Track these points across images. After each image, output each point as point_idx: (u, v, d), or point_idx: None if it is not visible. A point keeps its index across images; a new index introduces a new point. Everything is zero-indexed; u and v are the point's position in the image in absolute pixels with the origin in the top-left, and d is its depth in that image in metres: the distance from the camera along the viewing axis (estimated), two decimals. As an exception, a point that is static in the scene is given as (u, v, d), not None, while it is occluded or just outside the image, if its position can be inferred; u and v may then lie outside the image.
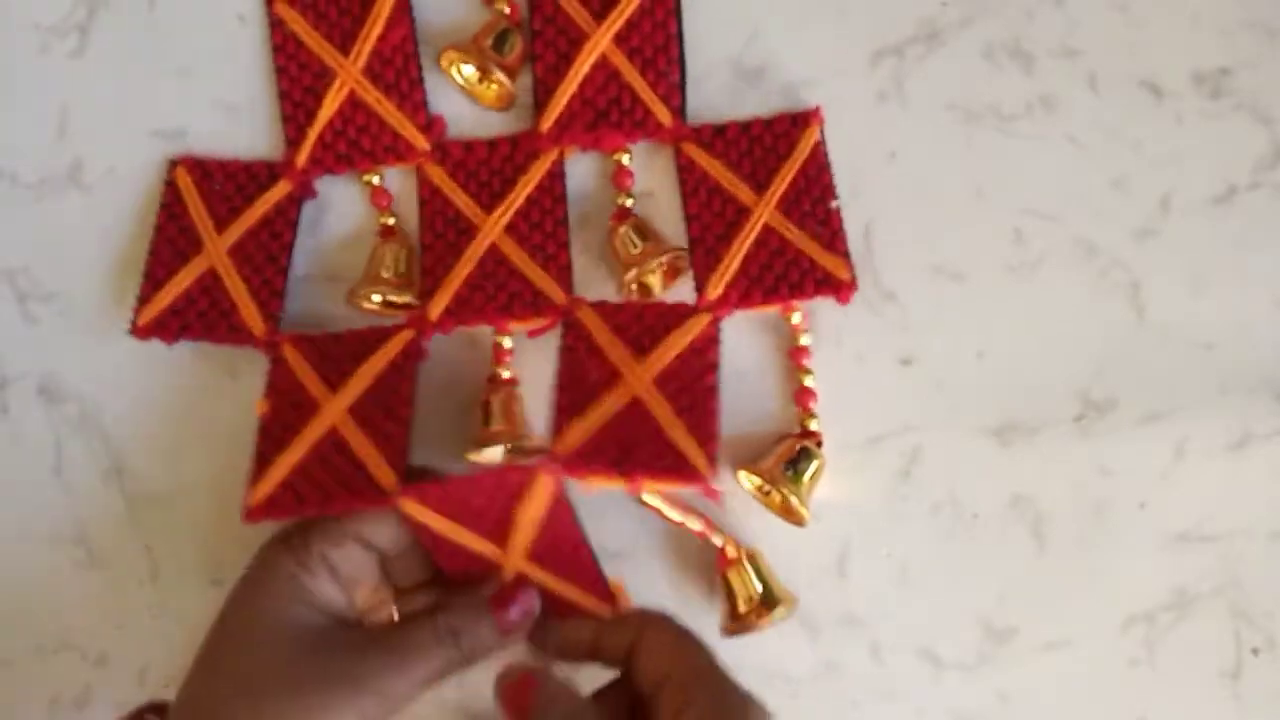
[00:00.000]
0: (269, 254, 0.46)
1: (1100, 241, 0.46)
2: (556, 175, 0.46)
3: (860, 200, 0.47)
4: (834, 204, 0.45)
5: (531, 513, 0.39)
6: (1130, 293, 0.46)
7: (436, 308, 0.45)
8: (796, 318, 0.45)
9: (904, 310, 0.46)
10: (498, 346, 0.45)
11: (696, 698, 0.36)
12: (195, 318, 0.45)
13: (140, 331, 0.45)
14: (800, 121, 0.46)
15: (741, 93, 0.47)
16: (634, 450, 0.40)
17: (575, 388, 0.42)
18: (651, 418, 0.41)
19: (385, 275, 0.46)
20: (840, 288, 0.44)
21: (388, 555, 0.40)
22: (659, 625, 0.39)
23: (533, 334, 0.46)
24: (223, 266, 0.45)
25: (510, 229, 0.46)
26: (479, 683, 0.46)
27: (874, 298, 0.46)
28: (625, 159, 0.47)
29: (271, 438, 0.42)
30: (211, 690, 0.36)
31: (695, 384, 0.42)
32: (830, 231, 0.45)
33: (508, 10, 0.47)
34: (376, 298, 0.45)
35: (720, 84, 0.47)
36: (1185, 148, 0.47)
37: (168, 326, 0.45)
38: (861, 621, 0.45)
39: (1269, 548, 0.46)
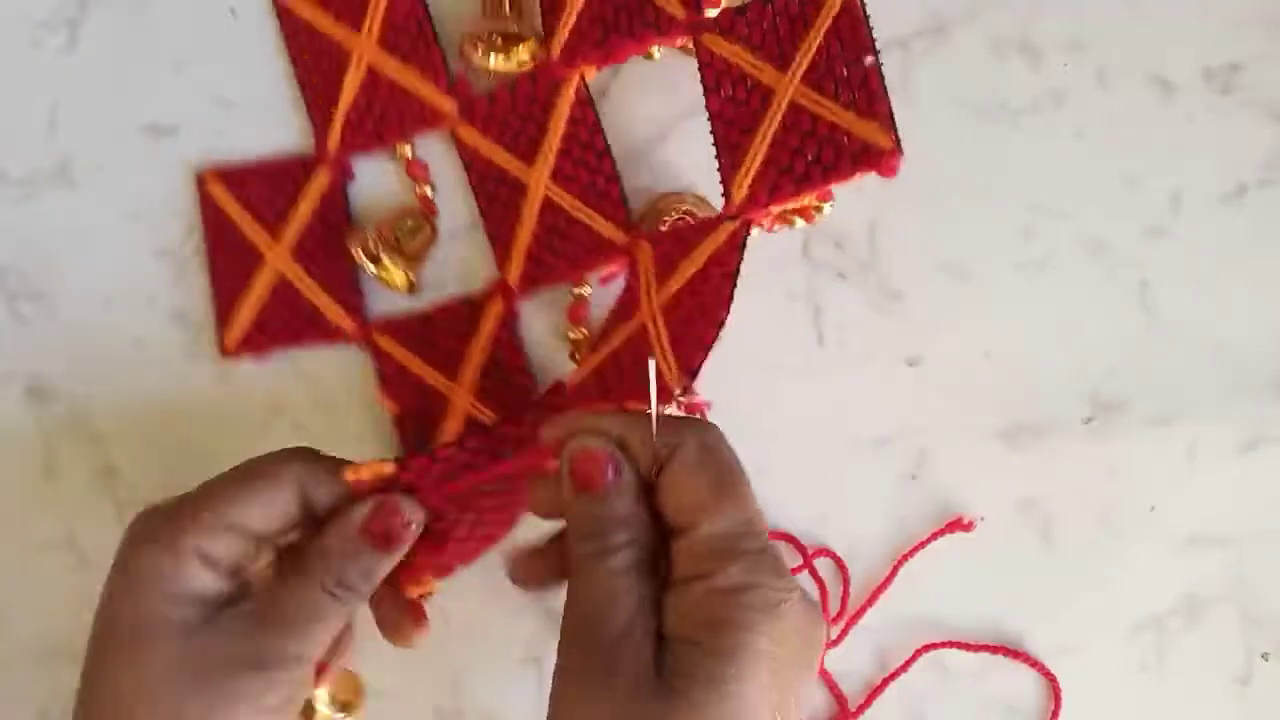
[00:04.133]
0: (331, 248, 0.45)
1: (1110, 239, 0.46)
2: (585, 103, 0.45)
3: (865, 197, 0.46)
4: (869, 60, 0.38)
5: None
6: (1140, 292, 0.46)
7: (514, 275, 0.44)
8: (827, 208, 0.40)
9: (910, 309, 0.46)
10: (576, 298, 0.45)
11: (741, 554, 0.31)
12: (280, 327, 0.45)
13: (229, 352, 0.45)
14: None
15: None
16: (624, 377, 0.38)
17: (607, 325, 0.42)
18: (647, 344, 0.38)
19: (393, 233, 0.45)
20: (881, 159, 0.37)
21: (270, 537, 0.37)
22: (707, 440, 0.33)
23: (604, 281, 0.45)
24: (291, 272, 0.45)
25: (556, 174, 0.45)
26: (477, 686, 0.45)
27: (880, 297, 0.46)
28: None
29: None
30: (103, 705, 0.34)
31: (709, 294, 0.38)
32: (867, 93, 0.37)
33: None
34: (360, 248, 0.44)
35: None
36: (1195, 144, 0.46)
37: (254, 342, 0.45)
38: (865, 629, 0.45)
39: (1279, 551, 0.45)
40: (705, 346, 0.36)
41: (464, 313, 0.45)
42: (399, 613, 0.39)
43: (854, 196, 0.46)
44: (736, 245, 0.38)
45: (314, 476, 0.37)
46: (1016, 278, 0.46)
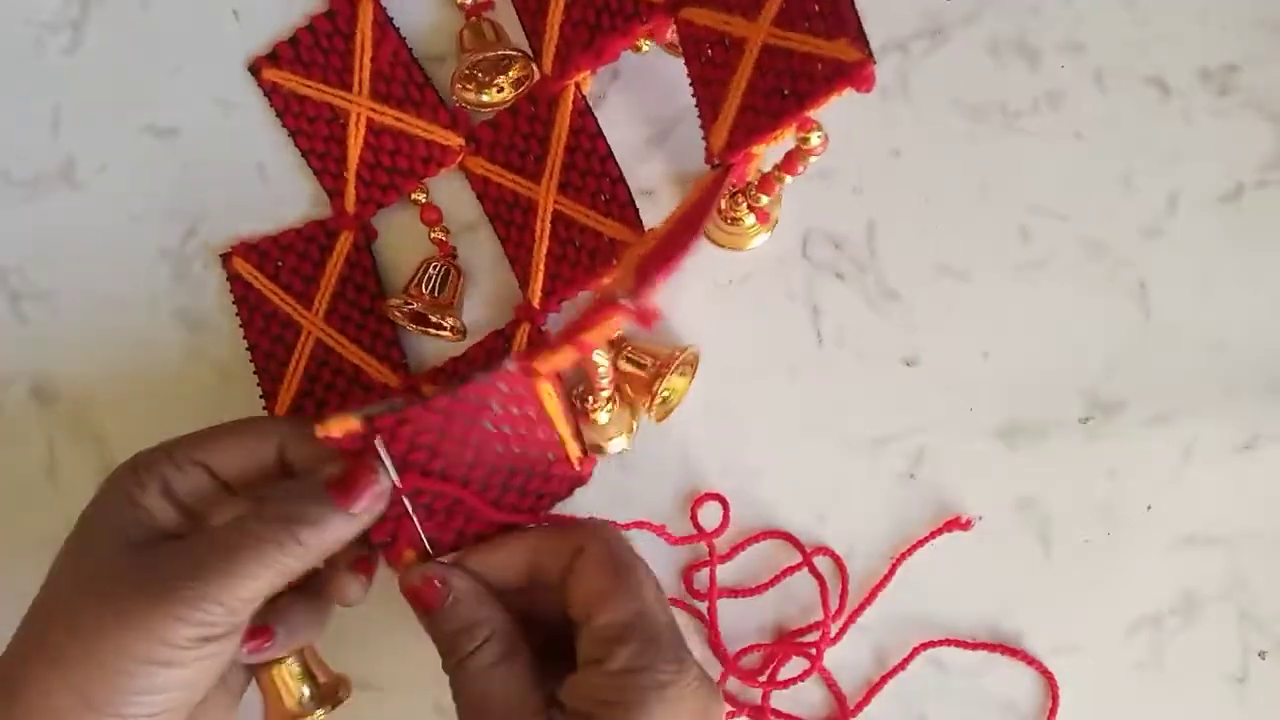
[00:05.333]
0: (363, 308, 0.46)
1: (1107, 240, 0.46)
2: (584, 112, 0.45)
3: (864, 198, 0.46)
4: None
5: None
6: (1137, 292, 0.46)
7: (535, 294, 0.45)
8: (815, 139, 0.38)
9: (908, 310, 0.46)
10: None
11: (631, 639, 0.34)
12: (325, 392, 0.45)
13: None
14: None
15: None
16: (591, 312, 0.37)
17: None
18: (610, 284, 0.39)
19: (423, 290, 0.45)
20: (852, 72, 0.35)
21: (234, 483, 0.38)
22: (602, 542, 0.37)
23: None
24: (329, 338, 0.45)
25: (563, 187, 0.45)
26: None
27: (878, 297, 0.46)
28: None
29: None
30: (57, 592, 0.36)
31: (679, 230, 0.38)
32: (837, 16, 0.36)
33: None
34: (405, 314, 0.45)
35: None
36: (1193, 146, 0.46)
37: (303, 410, 0.45)
38: (863, 627, 0.45)
39: (1276, 550, 0.45)
40: (667, 261, 0.35)
41: (498, 346, 0.45)
42: (345, 569, 0.38)
43: (853, 197, 0.46)
44: (717, 187, 0.39)
45: (298, 436, 0.38)
46: (1014, 278, 0.46)
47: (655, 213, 0.45)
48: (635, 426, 0.45)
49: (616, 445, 0.45)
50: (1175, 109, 0.46)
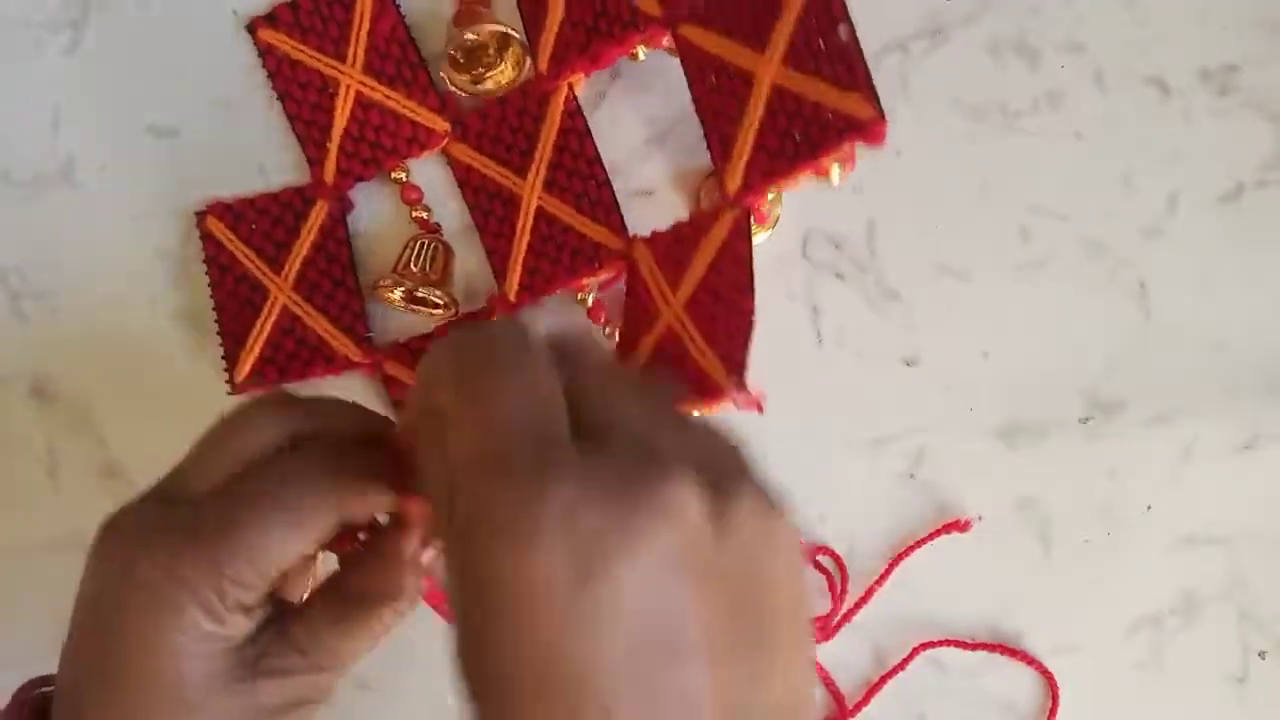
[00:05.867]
0: (334, 278, 0.46)
1: (1107, 240, 0.46)
2: (574, 112, 0.45)
3: (864, 198, 0.46)
4: (843, 29, 0.36)
5: None
6: (1137, 292, 0.46)
7: (512, 287, 0.45)
8: (835, 177, 0.38)
9: (908, 310, 0.46)
10: (584, 306, 0.45)
11: (464, 490, 0.24)
12: (287, 360, 0.45)
13: (240, 389, 0.45)
14: None
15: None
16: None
17: (626, 335, 0.42)
18: (682, 346, 0.38)
19: (413, 268, 0.45)
20: (864, 129, 0.36)
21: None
22: (446, 349, 0.27)
23: (604, 287, 0.45)
24: (295, 304, 0.45)
25: (549, 185, 0.45)
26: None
27: (877, 297, 0.46)
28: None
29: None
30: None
31: (727, 287, 0.38)
32: (846, 65, 0.36)
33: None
34: (398, 293, 0.45)
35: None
36: (1193, 145, 0.46)
37: (265, 376, 0.45)
38: (862, 627, 0.45)
39: (1277, 550, 0.45)
40: (743, 338, 0.35)
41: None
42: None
43: (853, 197, 0.46)
44: (743, 232, 0.38)
45: (352, 498, 0.31)
46: (1014, 278, 0.46)
47: (655, 212, 0.45)
48: None
49: None
50: (1175, 109, 0.46)
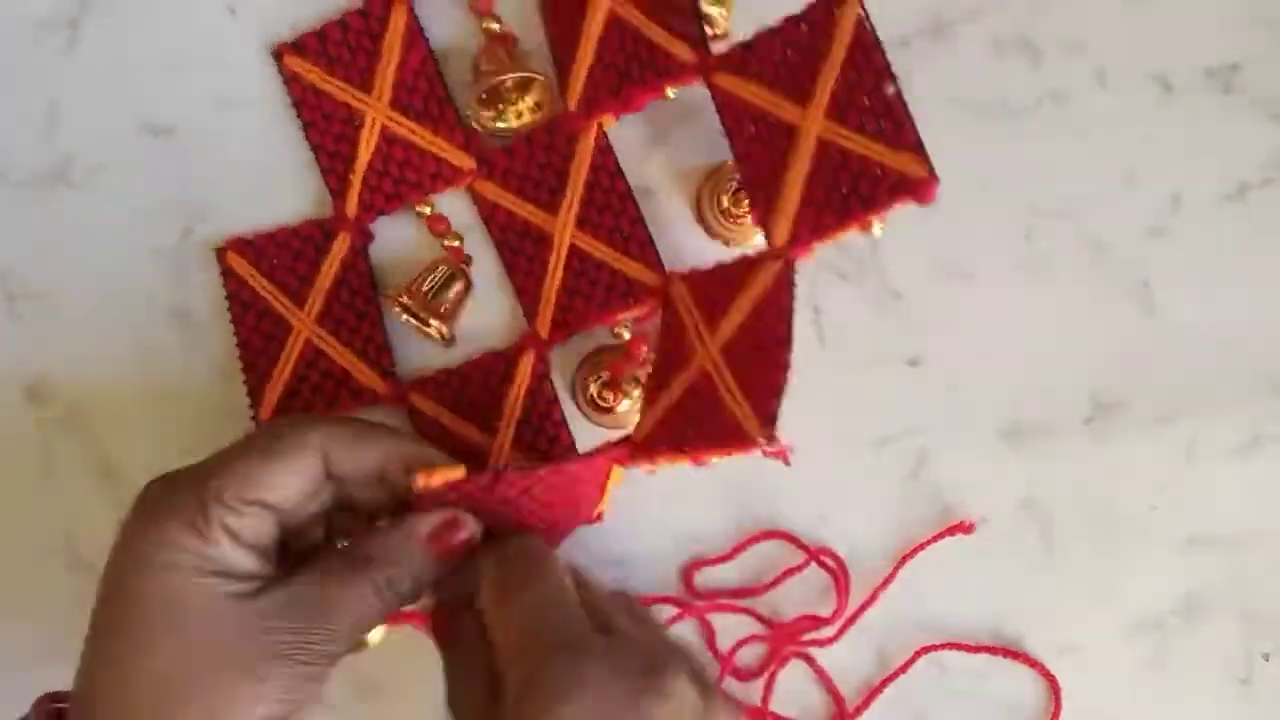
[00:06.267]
0: (357, 311, 0.45)
1: (1110, 239, 0.46)
2: (605, 150, 0.45)
3: (865, 197, 0.46)
4: (890, 89, 0.37)
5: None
6: (1141, 292, 0.46)
7: (544, 325, 0.44)
8: (877, 230, 0.39)
9: (911, 309, 0.46)
10: (619, 340, 0.45)
11: (515, 668, 0.33)
12: (312, 394, 0.45)
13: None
14: (836, 1, 0.38)
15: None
16: (697, 426, 0.38)
17: (659, 369, 0.42)
18: (715, 389, 0.38)
19: (423, 289, 0.45)
20: (918, 188, 0.37)
21: (293, 511, 0.36)
22: (491, 564, 0.36)
23: (638, 322, 0.45)
24: (318, 338, 0.45)
25: (581, 223, 0.44)
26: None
27: (881, 297, 0.46)
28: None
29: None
30: (127, 684, 0.33)
31: (765, 337, 0.38)
32: (893, 122, 0.37)
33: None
34: (398, 308, 0.44)
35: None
36: (1196, 144, 0.46)
37: (288, 411, 0.45)
38: (864, 629, 0.45)
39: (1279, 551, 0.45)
40: (777, 391, 0.36)
41: (496, 367, 0.45)
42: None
43: (854, 196, 0.46)
44: (786, 284, 0.38)
45: (338, 446, 0.37)
46: (1017, 277, 0.46)
47: (654, 211, 0.45)
48: None
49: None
50: (1178, 108, 0.46)
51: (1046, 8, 0.46)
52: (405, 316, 0.45)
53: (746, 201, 0.44)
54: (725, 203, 0.45)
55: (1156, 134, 0.46)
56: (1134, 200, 0.46)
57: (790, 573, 0.45)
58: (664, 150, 0.46)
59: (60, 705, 0.35)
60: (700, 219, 0.46)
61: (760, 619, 0.45)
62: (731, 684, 0.45)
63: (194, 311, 0.46)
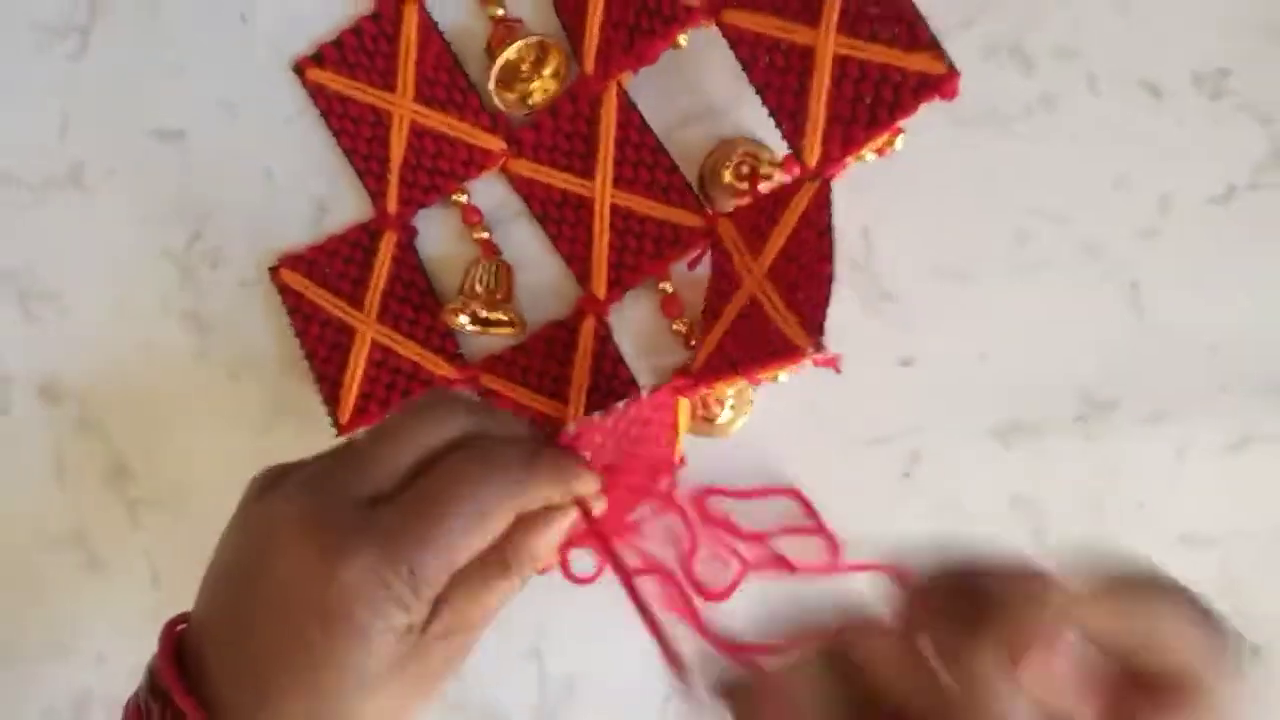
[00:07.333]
0: (414, 304, 0.46)
1: (1101, 241, 0.46)
2: (629, 107, 0.46)
3: (860, 199, 0.46)
4: None
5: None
6: (1131, 293, 0.46)
7: (600, 286, 0.45)
8: (900, 143, 0.40)
9: (904, 311, 0.46)
10: (664, 295, 0.46)
11: None
12: (386, 392, 0.46)
13: (345, 431, 0.46)
14: None
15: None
16: (749, 347, 0.39)
17: (711, 304, 0.43)
18: (764, 310, 0.39)
19: (478, 290, 0.46)
20: (941, 84, 0.37)
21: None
22: (1175, 602, 0.26)
23: (691, 266, 0.46)
24: (383, 336, 0.46)
25: (618, 181, 0.46)
26: (478, 679, 0.46)
27: (874, 298, 0.46)
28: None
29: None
30: (313, 688, 0.32)
31: (808, 255, 0.39)
32: (906, 26, 0.38)
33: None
34: (464, 318, 0.45)
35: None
36: (1185, 148, 0.47)
37: (368, 412, 0.46)
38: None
39: (1269, 550, 0.46)
40: (822, 300, 0.37)
41: (559, 335, 0.46)
42: None
43: (849, 199, 0.46)
44: (824, 203, 0.39)
45: (529, 497, 0.35)
46: (1009, 279, 0.46)
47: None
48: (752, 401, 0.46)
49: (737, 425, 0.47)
50: (1168, 112, 0.47)
51: (1038, 16, 0.47)
52: (471, 326, 0.46)
53: (749, 177, 0.45)
54: (728, 177, 0.45)
55: (1146, 139, 0.47)
56: (1124, 203, 0.47)
57: (791, 531, 0.45)
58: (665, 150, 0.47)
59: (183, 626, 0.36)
60: (704, 193, 0.46)
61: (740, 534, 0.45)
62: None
63: (204, 312, 0.47)
